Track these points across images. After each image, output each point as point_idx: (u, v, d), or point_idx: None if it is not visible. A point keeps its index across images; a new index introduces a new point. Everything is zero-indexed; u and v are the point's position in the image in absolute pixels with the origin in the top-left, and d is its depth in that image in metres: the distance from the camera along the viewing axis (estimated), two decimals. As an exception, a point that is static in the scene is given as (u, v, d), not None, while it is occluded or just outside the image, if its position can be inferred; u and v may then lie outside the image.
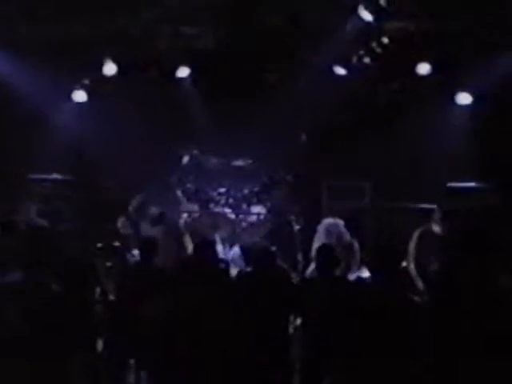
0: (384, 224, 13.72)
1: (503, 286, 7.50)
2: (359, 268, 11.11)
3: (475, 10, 12.04)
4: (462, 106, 14.18)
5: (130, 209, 12.28)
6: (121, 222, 12.30)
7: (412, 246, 11.14)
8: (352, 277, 10.59)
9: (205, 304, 8.60)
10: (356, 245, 11.33)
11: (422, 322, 7.55)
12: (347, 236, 11.67)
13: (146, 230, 11.89)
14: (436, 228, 11.21)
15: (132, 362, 9.17)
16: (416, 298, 8.58)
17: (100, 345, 9.00)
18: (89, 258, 9.86)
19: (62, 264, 8.58)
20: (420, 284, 10.65)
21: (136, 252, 10.89)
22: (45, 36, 12.76)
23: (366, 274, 10.63)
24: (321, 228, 11.99)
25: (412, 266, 10.97)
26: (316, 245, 11.79)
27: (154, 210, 12.28)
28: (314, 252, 11.39)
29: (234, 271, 11.27)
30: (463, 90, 14.00)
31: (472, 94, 13.98)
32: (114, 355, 9.05)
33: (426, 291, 10.14)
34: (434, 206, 12.03)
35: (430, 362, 7.27)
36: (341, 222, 11.90)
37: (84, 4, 12.05)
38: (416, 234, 11.20)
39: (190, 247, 12.09)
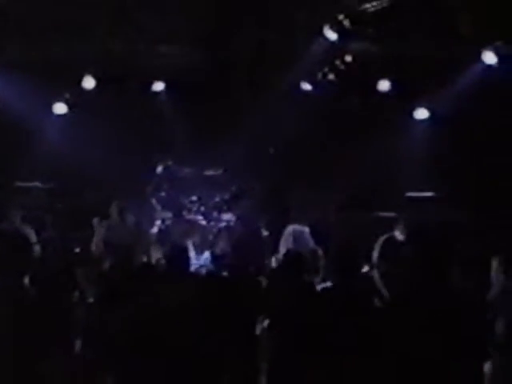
0: (348, 232, 13.76)
1: (457, 289, 7.56)
2: (323, 280, 11.05)
3: (432, 32, 12.14)
4: (419, 121, 14.27)
5: (112, 213, 12.30)
6: (96, 222, 12.32)
7: (375, 252, 11.19)
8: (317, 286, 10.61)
9: (174, 306, 8.58)
10: (320, 251, 11.35)
11: (382, 323, 7.59)
12: (311, 243, 11.71)
13: (121, 235, 11.89)
14: (399, 235, 11.28)
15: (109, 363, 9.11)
16: (377, 302, 8.63)
17: (78, 346, 8.95)
18: (68, 262, 9.80)
19: (40, 268, 8.53)
20: (382, 288, 10.69)
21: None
22: (27, 52, 12.70)
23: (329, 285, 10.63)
24: (287, 233, 12.02)
25: (375, 271, 11.02)
26: (282, 249, 11.84)
27: (130, 218, 12.28)
28: (280, 256, 11.45)
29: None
30: (420, 105, 14.10)
31: (428, 109, 14.08)
32: (92, 356, 8.99)
33: (388, 296, 10.22)
34: (395, 215, 12.13)
35: (393, 361, 7.31)
36: (306, 229, 11.94)
37: (65, 22, 11.99)
38: (379, 241, 11.26)
39: (155, 256, 12.14)
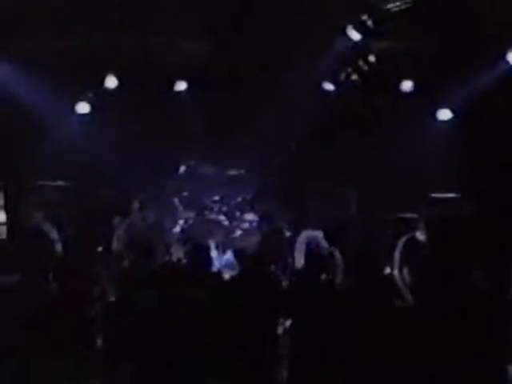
0: (368, 233, 13.69)
1: (478, 291, 7.49)
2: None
3: (456, 32, 12.06)
4: (442, 122, 14.19)
5: (133, 210, 12.35)
6: (117, 221, 12.35)
7: (397, 253, 11.12)
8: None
9: (198, 306, 8.57)
10: (337, 253, 11.23)
11: (404, 326, 7.53)
12: (326, 246, 11.61)
13: (142, 232, 11.92)
14: (420, 236, 11.20)
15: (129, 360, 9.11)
16: (399, 304, 8.57)
17: (99, 343, 8.95)
18: (89, 260, 9.81)
19: (62, 266, 8.53)
20: (405, 290, 10.62)
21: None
22: (49, 50, 12.72)
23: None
24: (300, 241, 11.95)
25: (397, 273, 10.94)
26: (297, 256, 11.80)
27: (150, 215, 12.30)
28: (298, 265, 11.42)
29: (226, 275, 11.26)
30: (444, 106, 14.02)
31: (452, 109, 14.00)
32: (113, 352, 8.99)
33: (411, 297, 10.15)
34: (416, 216, 12.04)
35: (414, 362, 7.25)
36: (320, 234, 11.86)
37: (87, 20, 12.00)
38: (401, 242, 11.18)
39: (176, 255, 12.16)
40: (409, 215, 13.28)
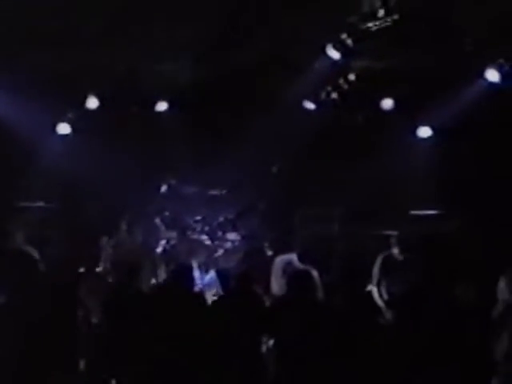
0: (352, 249, 13.70)
1: (464, 305, 7.52)
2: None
3: (435, 50, 12.15)
4: (422, 139, 14.26)
5: (120, 229, 12.34)
6: (104, 241, 12.31)
7: (376, 270, 11.16)
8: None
9: (181, 326, 8.56)
10: (314, 272, 11.20)
11: (387, 343, 7.55)
12: (301, 267, 11.59)
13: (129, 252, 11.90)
14: (397, 253, 11.25)
15: (113, 382, 9.07)
16: (380, 320, 8.58)
17: (82, 365, 8.90)
18: (72, 281, 9.76)
19: (45, 287, 8.50)
20: (382, 306, 10.65)
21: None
22: (30, 71, 12.69)
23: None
24: (275, 267, 11.92)
25: (375, 289, 10.98)
26: (274, 284, 11.78)
27: (138, 235, 12.30)
28: (274, 290, 11.41)
29: (208, 295, 11.24)
30: (424, 123, 14.10)
31: (432, 127, 14.08)
32: (96, 375, 8.95)
33: (390, 314, 10.17)
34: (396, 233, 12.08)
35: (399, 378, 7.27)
36: (294, 256, 11.85)
37: (68, 40, 11.99)
38: (379, 259, 11.23)
39: (162, 275, 12.13)
40: (390, 232, 13.31)
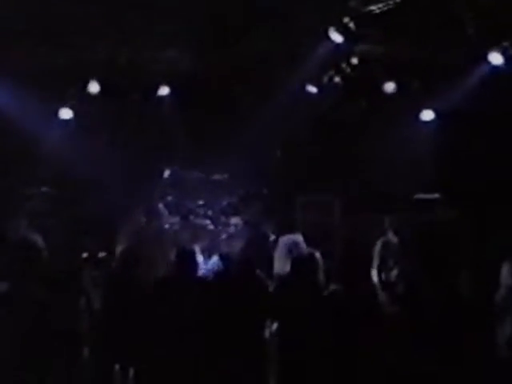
0: (353, 235, 13.69)
1: (462, 293, 7.52)
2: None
3: (438, 33, 12.09)
4: (425, 122, 14.21)
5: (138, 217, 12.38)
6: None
7: (375, 254, 11.18)
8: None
9: (184, 310, 8.57)
10: (317, 254, 11.24)
11: (388, 328, 7.56)
12: (305, 248, 11.62)
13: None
14: (392, 237, 11.27)
15: (117, 368, 9.08)
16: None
17: (86, 352, 8.91)
18: (75, 268, 9.77)
19: (48, 275, 8.50)
20: (380, 291, 10.66)
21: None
22: (31, 57, 12.66)
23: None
24: (281, 245, 11.97)
25: (374, 274, 10.99)
26: (277, 261, 11.81)
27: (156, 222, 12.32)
28: (277, 269, 11.43)
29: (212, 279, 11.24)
30: (426, 107, 14.04)
31: (435, 110, 14.03)
32: (100, 362, 8.96)
33: (385, 297, 10.21)
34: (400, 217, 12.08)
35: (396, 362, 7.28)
36: (300, 237, 11.88)
37: (69, 28, 11.96)
38: (378, 244, 11.24)
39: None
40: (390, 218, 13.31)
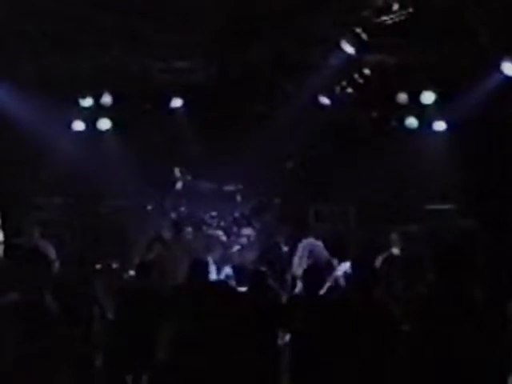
0: (366, 246, 13.65)
1: (479, 304, 7.43)
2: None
3: (450, 43, 12.06)
4: (437, 133, 14.16)
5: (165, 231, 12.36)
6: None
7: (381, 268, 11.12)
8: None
9: (197, 321, 8.53)
10: (335, 262, 11.24)
11: (402, 341, 7.48)
12: (326, 255, 11.62)
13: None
14: (395, 250, 11.22)
15: (129, 378, 9.06)
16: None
17: (99, 361, 8.89)
18: (88, 277, 9.74)
19: (60, 284, 8.48)
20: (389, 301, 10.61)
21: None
22: (46, 69, 12.70)
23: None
24: (301, 247, 11.97)
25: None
26: (297, 263, 11.79)
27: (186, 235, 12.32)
28: (296, 270, 11.40)
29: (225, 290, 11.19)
30: (439, 117, 13.99)
31: (447, 121, 13.97)
32: (112, 371, 8.93)
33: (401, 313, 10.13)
34: (414, 228, 12.02)
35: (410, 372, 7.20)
36: (320, 243, 11.88)
37: (83, 39, 11.98)
38: (379, 259, 11.17)
39: None
40: (405, 227, 13.25)
